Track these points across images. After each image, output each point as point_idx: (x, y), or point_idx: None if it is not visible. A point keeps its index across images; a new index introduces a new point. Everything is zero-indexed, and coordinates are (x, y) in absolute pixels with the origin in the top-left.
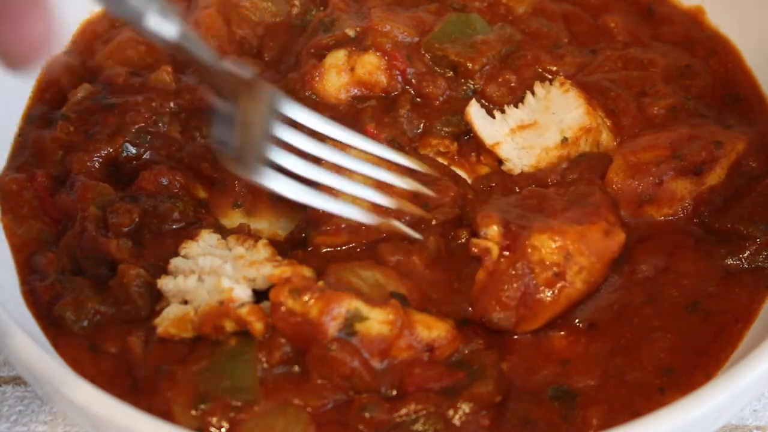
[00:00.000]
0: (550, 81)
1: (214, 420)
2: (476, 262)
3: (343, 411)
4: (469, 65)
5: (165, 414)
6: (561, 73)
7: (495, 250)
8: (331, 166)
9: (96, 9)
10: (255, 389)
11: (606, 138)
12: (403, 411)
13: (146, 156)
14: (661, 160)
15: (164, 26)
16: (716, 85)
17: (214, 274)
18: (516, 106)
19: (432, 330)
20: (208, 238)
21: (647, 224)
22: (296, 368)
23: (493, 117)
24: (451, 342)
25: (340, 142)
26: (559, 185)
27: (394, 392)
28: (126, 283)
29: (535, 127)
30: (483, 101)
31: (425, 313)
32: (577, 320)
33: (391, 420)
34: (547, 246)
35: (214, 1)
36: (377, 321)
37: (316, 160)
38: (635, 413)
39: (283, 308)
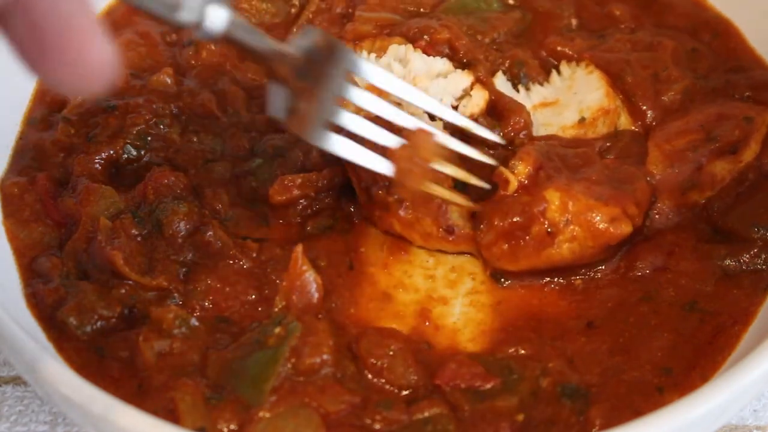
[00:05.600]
0: (577, 62)
1: (224, 418)
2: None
3: (358, 413)
4: (479, 38)
5: (170, 413)
6: (574, 54)
7: (514, 185)
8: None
9: (96, 11)
10: (265, 394)
11: (624, 121)
12: (416, 411)
13: (147, 158)
14: (696, 145)
15: (211, 15)
16: (719, 64)
17: None
18: (541, 84)
19: (462, 217)
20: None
21: (654, 223)
22: (324, 373)
23: (518, 91)
24: (472, 239)
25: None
26: (614, 158)
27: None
28: (166, 329)
29: (555, 105)
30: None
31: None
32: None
33: (405, 419)
34: (555, 202)
35: None
36: None
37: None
38: (636, 412)
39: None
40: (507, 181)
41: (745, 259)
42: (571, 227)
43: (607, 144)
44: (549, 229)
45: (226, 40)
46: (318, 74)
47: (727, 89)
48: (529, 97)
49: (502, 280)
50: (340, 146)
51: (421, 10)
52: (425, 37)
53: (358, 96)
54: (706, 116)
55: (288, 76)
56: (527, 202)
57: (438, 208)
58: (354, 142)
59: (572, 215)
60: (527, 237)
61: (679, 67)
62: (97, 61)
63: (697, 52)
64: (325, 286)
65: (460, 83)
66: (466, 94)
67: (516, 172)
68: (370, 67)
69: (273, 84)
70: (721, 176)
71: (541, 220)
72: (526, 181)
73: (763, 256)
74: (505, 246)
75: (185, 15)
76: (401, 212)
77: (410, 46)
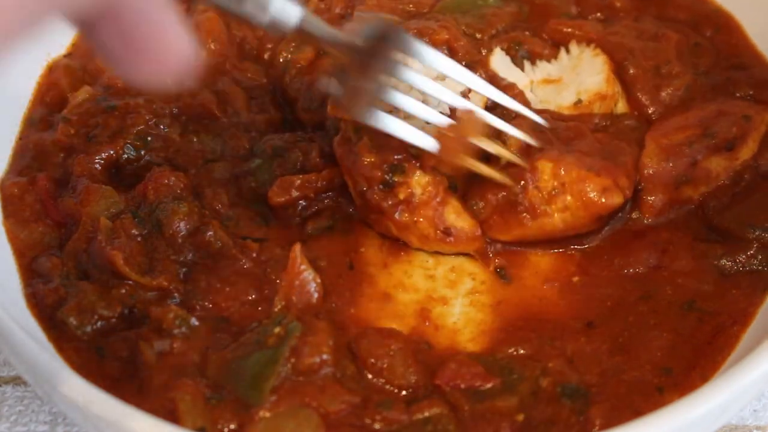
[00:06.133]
0: (587, 42)
1: (224, 418)
2: None
3: (358, 413)
4: (478, 35)
5: (170, 414)
6: (576, 32)
7: (506, 157)
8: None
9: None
10: (265, 393)
11: (621, 108)
12: (416, 411)
13: (147, 158)
14: (692, 140)
15: (287, 11)
16: (720, 61)
17: None
18: (549, 61)
19: (459, 219)
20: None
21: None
22: (324, 373)
23: (521, 68)
24: (470, 240)
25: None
26: (605, 133)
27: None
28: (166, 328)
29: (557, 84)
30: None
31: (463, 205)
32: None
33: (405, 419)
34: (547, 172)
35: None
36: (417, 182)
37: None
38: (636, 412)
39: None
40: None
41: (741, 259)
42: (563, 196)
43: (605, 123)
44: (542, 198)
45: (300, 32)
46: (374, 56)
47: (727, 87)
48: (533, 72)
49: (505, 278)
50: (386, 122)
51: (419, 10)
52: (425, 38)
53: (410, 75)
54: (706, 113)
55: (350, 63)
56: (521, 173)
57: (434, 211)
58: (400, 120)
59: (564, 185)
60: (520, 207)
61: (681, 62)
62: (181, 54)
63: (699, 47)
64: (325, 286)
65: (459, 85)
66: (465, 95)
67: (508, 144)
68: (422, 47)
69: (335, 72)
70: (716, 173)
71: (535, 189)
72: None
73: (760, 257)
74: (496, 216)
75: (266, 16)
76: (396, 215)
77: None
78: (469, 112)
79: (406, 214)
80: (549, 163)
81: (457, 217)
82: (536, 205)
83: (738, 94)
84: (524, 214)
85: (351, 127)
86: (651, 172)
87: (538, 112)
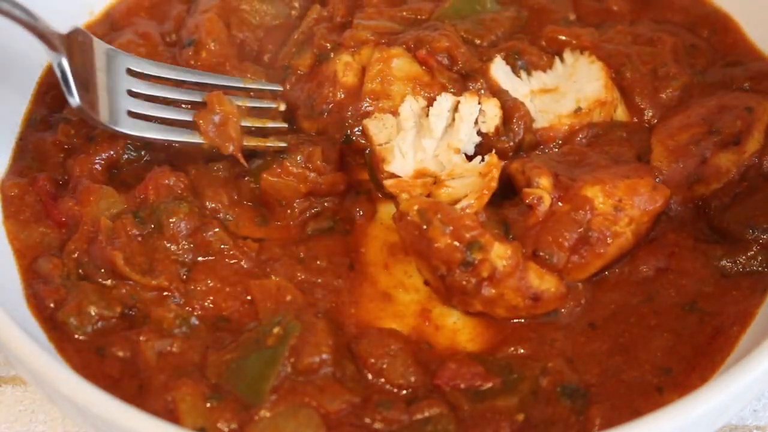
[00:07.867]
0: (581, 50)
1: (224, 418)
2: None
3: (358, 413)
4: (478, 41)
5: (170, 413)
6: (572, 40)
7: (548, 199)
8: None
9: (96, 11)
10: (265, 393)
11: (620, 114)
12: (416, 411)
13: (147, 158)
14: (699, 138)
15: None
16: (717, 60)
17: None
18: (544, 71)
19: (543, 281)
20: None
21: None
22: (324, 373)
23: (519, 77)
24: (558, 299)
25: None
26: (592, 145)
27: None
28: (167, 328)
29: (554, 93)
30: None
31: (538, 265)
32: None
33: (405, 419)
34: (600, 197)
35: (214, 4)
36: (496, 255)
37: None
38: (635, 412)
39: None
40: (540, 199)
41: (741, 260)
42: (626, 211)
43: (596, 132)
44: (608, 222)
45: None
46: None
47: (725, 82)
48: (529, 82)
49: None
50: (143, 129)
51: (418, 17)
52: (426, 46)
53: (147, 87)
54: (707, 109)
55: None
56: (572, 209)
57: (518, 280)
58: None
59: (621, 201)
60: (593, 239)
61: (677, 63)
62: None
63: (695, 48)
64: (324, 286)
65: (474, 105)
66: (480, 110)
67: (542, 186)
68: (143, 61)
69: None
70: (726, 168)
71: (595, 218)
72: (558, 193)
73: (760, 258)
74: (574, 257)
75: None
76: (484, 291)
77: (420, 99)
78: (215, 94)
79: (492, 289)
80: (594, 185)
81: (541, 281)
82: (605, 230)
83: (735, 87)
84: (598, 244)
85: (415, 210)
86: (664, 174)
87: (528, 155)
